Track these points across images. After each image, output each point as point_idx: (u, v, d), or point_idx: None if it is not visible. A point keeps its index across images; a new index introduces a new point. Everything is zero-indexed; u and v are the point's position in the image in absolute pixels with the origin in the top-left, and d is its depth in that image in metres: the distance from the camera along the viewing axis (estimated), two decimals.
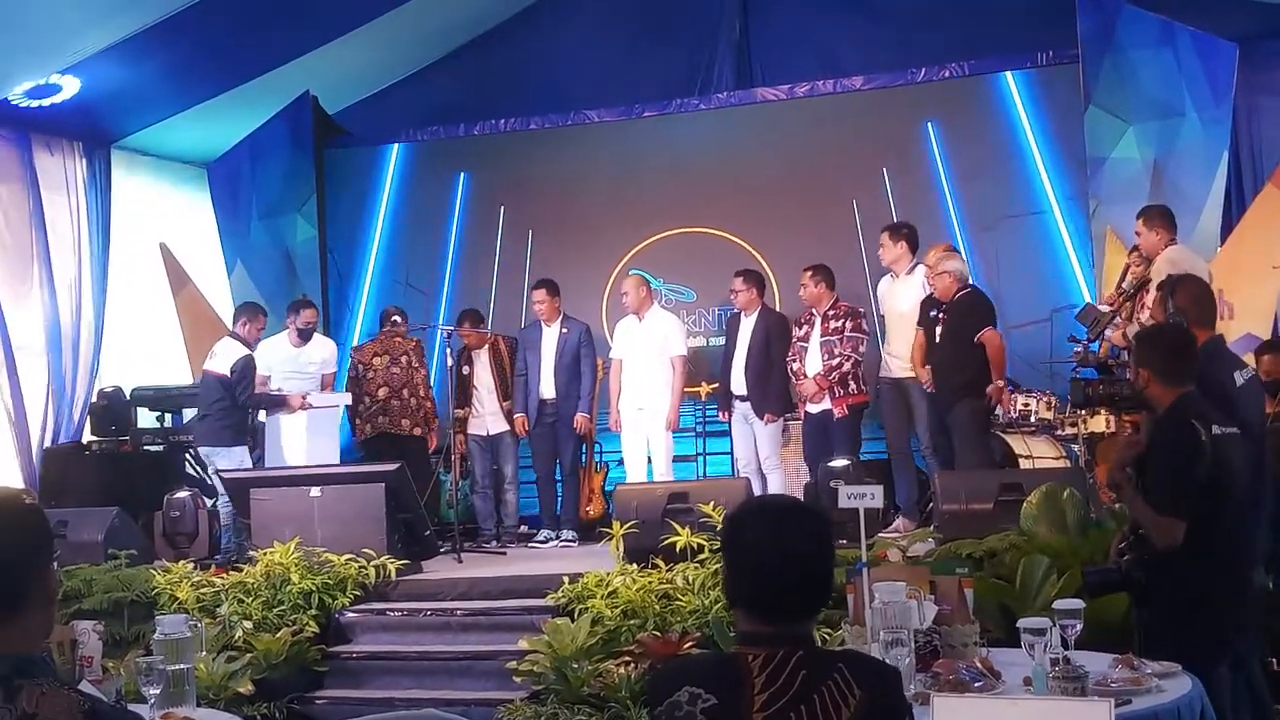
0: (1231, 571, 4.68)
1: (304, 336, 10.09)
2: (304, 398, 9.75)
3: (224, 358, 9.45)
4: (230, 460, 9.34)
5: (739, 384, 9.49)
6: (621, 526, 7.67)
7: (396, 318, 10.52)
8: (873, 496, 4.64)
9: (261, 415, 10.06)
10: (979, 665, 4.02)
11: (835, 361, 9.13)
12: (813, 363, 9.25)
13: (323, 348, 10.34)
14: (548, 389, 9.99)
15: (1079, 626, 4.05)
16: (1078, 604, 4.15)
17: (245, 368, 9.41)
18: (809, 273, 9.37)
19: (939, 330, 8.80)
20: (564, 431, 10.04)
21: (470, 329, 10.33)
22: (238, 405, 9.44)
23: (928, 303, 8.97)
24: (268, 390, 9.83)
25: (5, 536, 2.33)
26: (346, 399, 10.27)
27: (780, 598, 2.77)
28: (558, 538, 9.96)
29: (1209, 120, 9.62)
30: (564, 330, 10.04)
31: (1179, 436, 4.60)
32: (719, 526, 2.96)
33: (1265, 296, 9.10)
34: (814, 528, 2.85)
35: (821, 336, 9.25)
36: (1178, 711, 3.76)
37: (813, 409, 9.22)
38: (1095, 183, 10.04)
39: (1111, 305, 8.55)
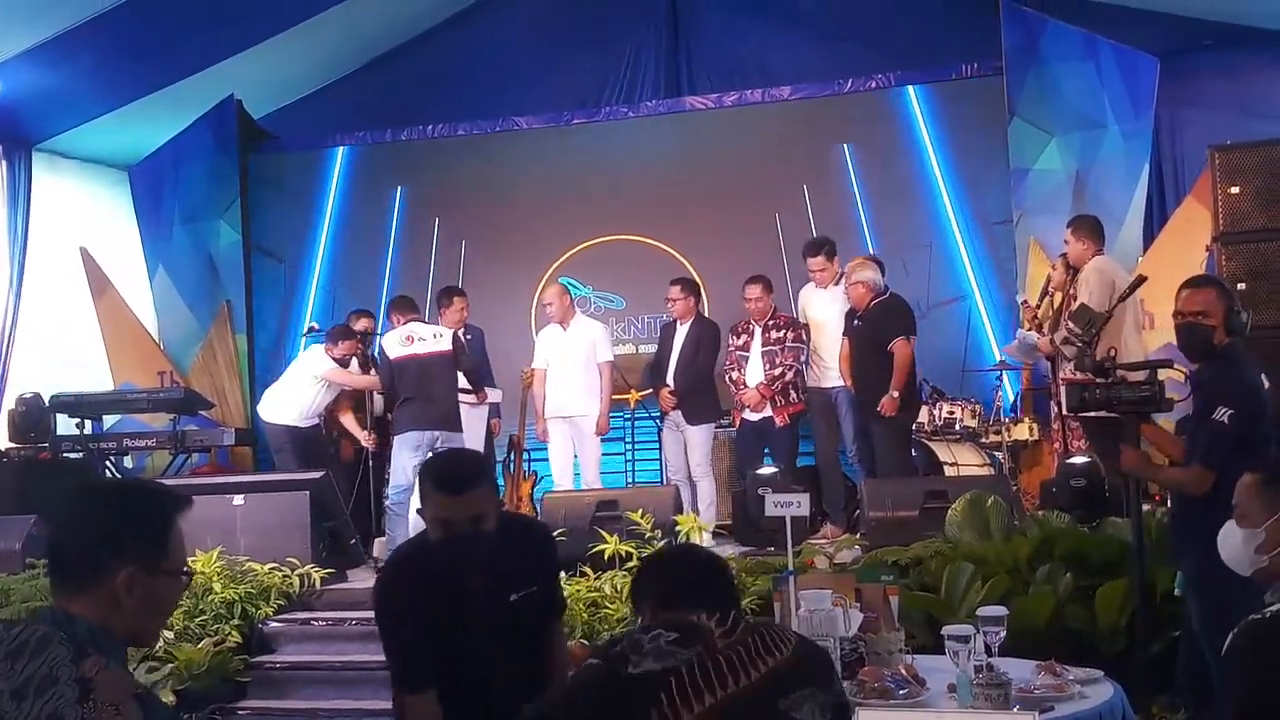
0: None
1: (342, 366, 9.84)
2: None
3: (446, 338, 9.04)
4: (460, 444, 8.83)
5: None
6: None
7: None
8: (799, 505, 4.65)
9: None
10: (904, 672, 4.04)
11: (778, 371, 9.16)
12: (754, 372, 9.26)
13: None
14: (494, 395, 9.95)
15: (1002, 633, 4.08)
16: (1001, 611, 4.18)
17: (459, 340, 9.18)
18: (759, 285, 9.35)
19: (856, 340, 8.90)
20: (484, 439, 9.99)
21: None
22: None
23: (851, 312, 9.03)
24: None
25: (94, 512, 2.49)
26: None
27: (709, 585, 3.05)
28: None
29: (1130, 133, 9.79)
30: (468, 337, 9.98)
31: (1242, 385, 4.92)
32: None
33: None
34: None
35: (763, 346, 9.27)
36: (1099, 717, 3.80)
37: (753, 417, 9.24)
38: (1019, 194, 10.15)
39: (1032, 314, 8.66)
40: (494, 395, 9.94)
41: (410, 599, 3.81)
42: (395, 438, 8.93)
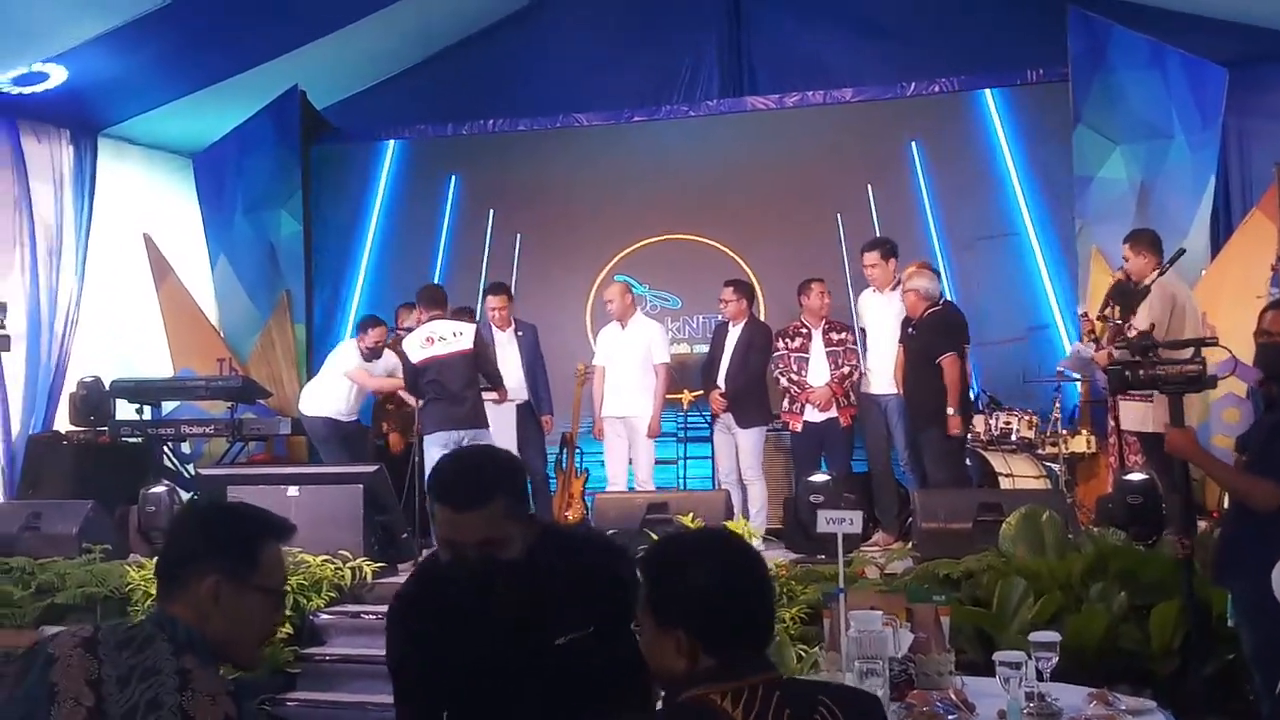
0: None
1: (373, 356, 10.07)
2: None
3: (467, 336, 9.02)
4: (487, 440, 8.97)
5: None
6: None
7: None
8: (851, 522, 4.60)
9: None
10: (953, 697, 3.99)
11: (846, 370, 9.24)
12: (818, 373, 9.29)
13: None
14: (519, 393, 9.88)
15: (1054, 659, 4.03)
16: (1053, 636, 4.12)
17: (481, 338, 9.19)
18: (820, 285, 9.43)
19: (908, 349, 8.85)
20: (535, 436, 10.00)
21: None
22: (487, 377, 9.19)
23: (906, 320, 8.98)
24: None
25: (190, 520, 2.82)
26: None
27: (755, 622, 2.44)
28: None
29: (1197, 143, 9.65)
30: (520, 334, 10.00)
31: None
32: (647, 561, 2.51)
33: (1248, 323, 9.04)
34: (752, 552, 2.59)
35: (827, 348, 9.33)
36: None
37: (818, 417, 9.24)
38: (1082, 202, 10.05)
39: (1090, 327, 8.56)
40: (517, 393, 9.84)
41: (413, 632, 3.12)
42: (425, 437, 8.98)
